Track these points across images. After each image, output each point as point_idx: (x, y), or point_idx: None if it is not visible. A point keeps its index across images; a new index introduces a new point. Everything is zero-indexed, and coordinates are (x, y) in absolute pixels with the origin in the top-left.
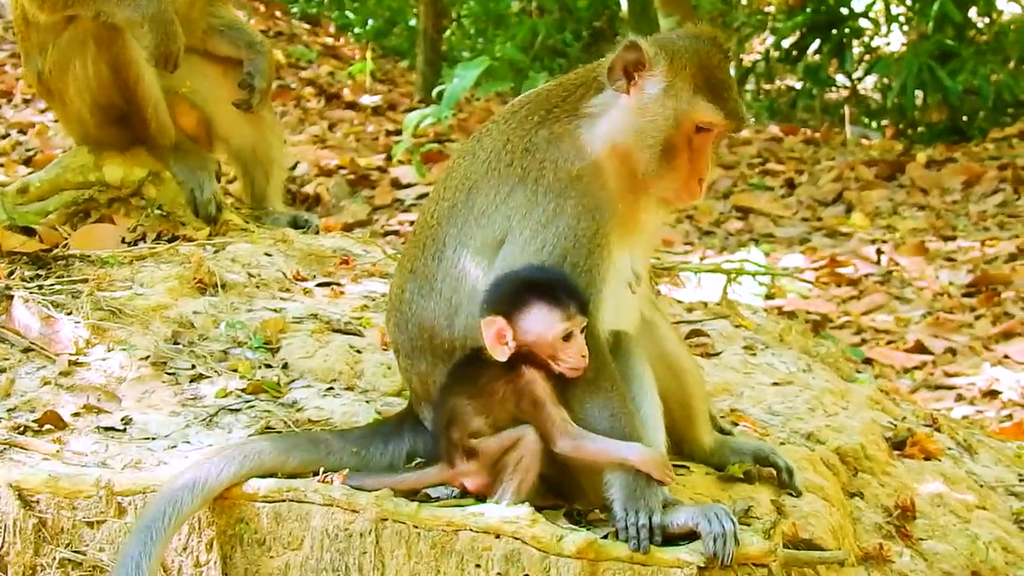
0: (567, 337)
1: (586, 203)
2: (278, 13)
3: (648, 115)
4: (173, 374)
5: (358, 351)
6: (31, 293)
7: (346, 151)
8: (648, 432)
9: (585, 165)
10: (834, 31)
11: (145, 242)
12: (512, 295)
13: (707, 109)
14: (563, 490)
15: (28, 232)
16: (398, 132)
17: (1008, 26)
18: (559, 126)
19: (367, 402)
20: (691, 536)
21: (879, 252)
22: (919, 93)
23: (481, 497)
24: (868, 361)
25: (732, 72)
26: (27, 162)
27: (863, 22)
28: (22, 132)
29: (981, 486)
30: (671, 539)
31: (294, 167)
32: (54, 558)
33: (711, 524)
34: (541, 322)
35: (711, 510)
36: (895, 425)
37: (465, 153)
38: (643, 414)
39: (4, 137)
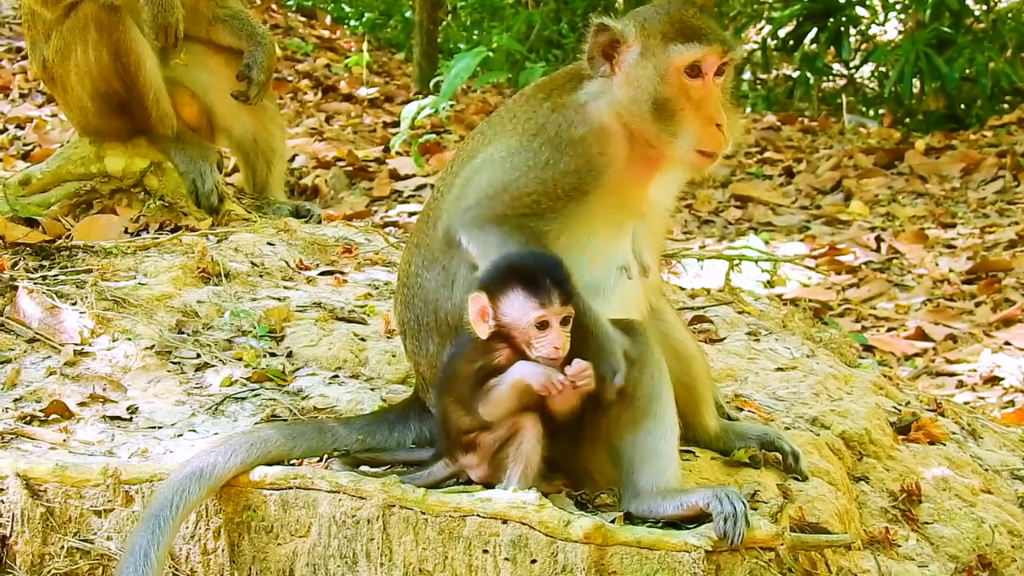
0: (542, 325)
1: (581, 164)
2: (274, 6)
3: (635, 84)
4: (178, 363)
5: (362, 339)
6: (35, 284)
7: (343, 143)
8: (663, 413)
9: (589, 130)
10: (831, 20)
11: (148, 232)
12: (497, 274)
13: (683, 49)
14: (570, 474)
15: (31, 223)
16: (395, 124)
17: (1005, 14)
18: (560, 99)
19: (372, 390)
20: (698, 520)
21: (878, 240)
22: (916, 81)
23: (488, 484)
24: (869, 348)
25: (713, 19)
26: (25, 156)
27: (860, 10)
28: (19, 127)
29: (986, 470)
30: (675, 523)
31: (292, 159)
32: (62, 547)
33: (722, 505)
34: (518, 306)
35: (722, 491)
36: (899, 410)
37: (475, 133)
38: (662, 400)
39: (2, 132)
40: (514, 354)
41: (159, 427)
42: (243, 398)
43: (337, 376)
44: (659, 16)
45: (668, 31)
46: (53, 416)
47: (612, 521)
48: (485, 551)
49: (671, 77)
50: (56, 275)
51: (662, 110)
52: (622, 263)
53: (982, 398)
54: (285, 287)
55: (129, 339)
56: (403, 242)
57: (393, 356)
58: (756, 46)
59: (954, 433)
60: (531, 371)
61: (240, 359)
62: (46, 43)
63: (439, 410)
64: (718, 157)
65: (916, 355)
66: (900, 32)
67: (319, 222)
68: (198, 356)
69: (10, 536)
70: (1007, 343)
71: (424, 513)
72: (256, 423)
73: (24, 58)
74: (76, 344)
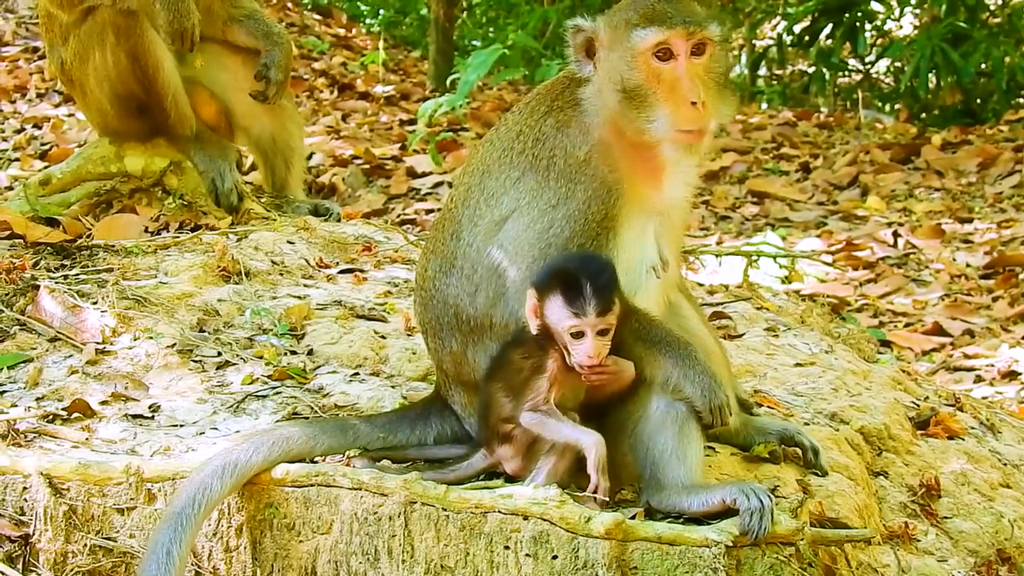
0: (577, 335)
1: (595, 187)
2: (290, 4)
3: (612, 75)
4: (199, 361)
5: (383, 337)
6: (57, 283)
7: (360, 141)
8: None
9: (592, 148)
10: (846, 15)
11: (168, 231)
12: (546, 276)
13: (645, 34)
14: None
15: (52, 223)
16: (411, 121)
17: (1021, 8)
18: (564, 115)
19: (392, 387)
20: (720, 516)
21: (895, 235)
22: (932, 76)
23: (511, 479)
24: (887, 343)
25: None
26: (42, 156)
27: (875, 5)
28: (37, 127)
29: (1005, 464)
30: (697, 518)
31: (309, 158)
32: (85, 545)
33: (749, 500)
34: (555, 311)
35: (748, 487)
36: (918, 405)
37: (484, 142)
38: None
39: (19, 131)
40: (562, 360)
41: (181, 425)
42: (264, 396)
43: (358, 374)
44: (626, 6)
45: (631, 18)
46: (75, 415)
47: (633, 517)
48: (506, 547)
49: (639, 62)
50: (77, 274)
51: (635, 96)
52: (651, 263)
53: (1000, 393)
54: (305, 285)
55: (150, 338)
56: (423, 240)
57: (413, 353)
58: (772, 42)
59: (973, 428)
60: (592, 445)
61: (261, 357)
62: (64, 45)
63: (483, 396)
64: (703, 134)
65: (934, 350)
66: (915, 27)
67: (338, 220)
68: (219, 354)
69: (33, 534)
70: None
71: (445, 509)
72: (277, 421)
73: (41, 58)
74: (98, 343)
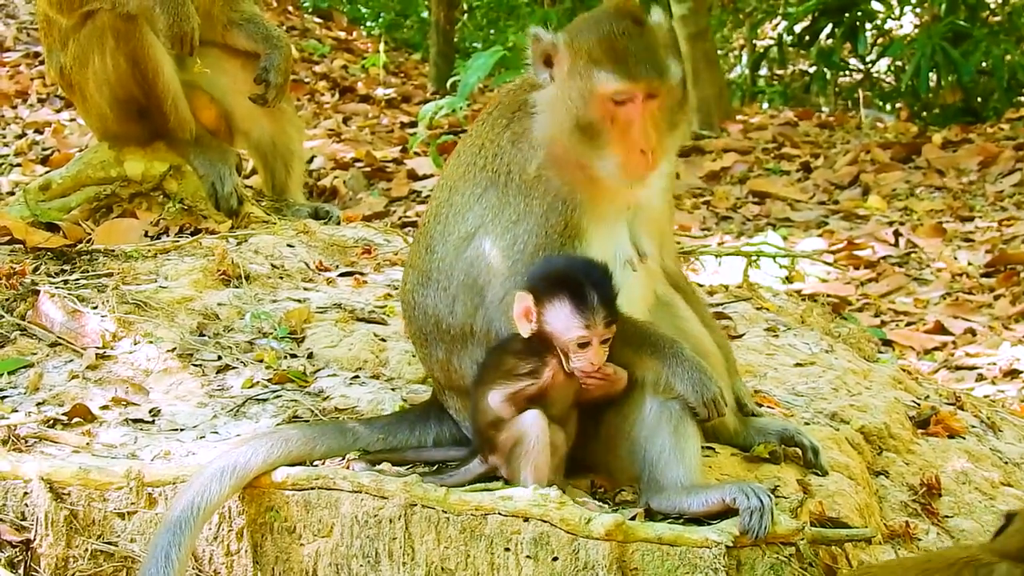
0: (583, 344)
1: (551, 201)
2: (291, 8)
3: (564, 99)
4: (200, 365)
5: (382, 339)
6: (57, 288)
7: (361, 144)
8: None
9: (542, 163)
10: (847, 15)
11: (168, 236)
12: (548, 279)
13: (608, 79)
14: (593, 470)
15: (52, 228)
16: (412, 124)
17: (1021, 6)
18: (519, 126)
19: (392, 390)
20: (720, 516)
21: (897, 234)
22: (933, 75)
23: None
24: (888, 343)
25: (650, 37)
26: (44, 161)
27: (875, 5)
28: (38, 132)
29: (1006, 463)
30: (697, 519)
31: (310, 161)
32: (86, 549)
33: (749, 499)
34: (562, 320)
35: (748, 486)
36: (918, 404)
37: (454, 154)
38: None
39: (21, 137)
40: (558, 364)
41: (181, 429)
42: (264, 399)
43: (358, 376)
44: (589, 33)
45: (595, 53)
46: (76, 419)
47: (633, 518)
48: (507, 549)
49: (595, 102)
50: (77, 279)
51: (586, 132)
52: (625, 258)
53: (1001, 391)
54: (305, 288)
55: (151, 342)
56: None
57: (413, 356)
58: (772, 42)
59: (973, 426)
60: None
61: (261, 361)
62: (63, 50)
63: (473, 403)
64: (646, 179)
65: (935, 349)
66: (916, 26)
67: (338, 223)
68: (219, 358)
69: (34, 539)
70: None
71: (446, 512)
72: (278, 424)
73: (42, 63)
74: (98, 347)
